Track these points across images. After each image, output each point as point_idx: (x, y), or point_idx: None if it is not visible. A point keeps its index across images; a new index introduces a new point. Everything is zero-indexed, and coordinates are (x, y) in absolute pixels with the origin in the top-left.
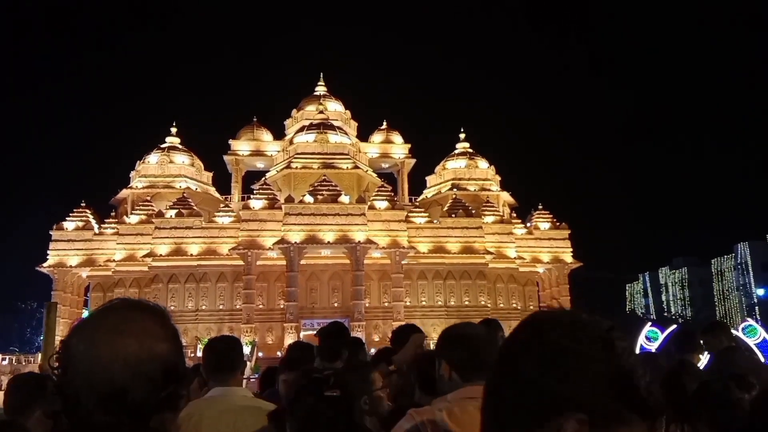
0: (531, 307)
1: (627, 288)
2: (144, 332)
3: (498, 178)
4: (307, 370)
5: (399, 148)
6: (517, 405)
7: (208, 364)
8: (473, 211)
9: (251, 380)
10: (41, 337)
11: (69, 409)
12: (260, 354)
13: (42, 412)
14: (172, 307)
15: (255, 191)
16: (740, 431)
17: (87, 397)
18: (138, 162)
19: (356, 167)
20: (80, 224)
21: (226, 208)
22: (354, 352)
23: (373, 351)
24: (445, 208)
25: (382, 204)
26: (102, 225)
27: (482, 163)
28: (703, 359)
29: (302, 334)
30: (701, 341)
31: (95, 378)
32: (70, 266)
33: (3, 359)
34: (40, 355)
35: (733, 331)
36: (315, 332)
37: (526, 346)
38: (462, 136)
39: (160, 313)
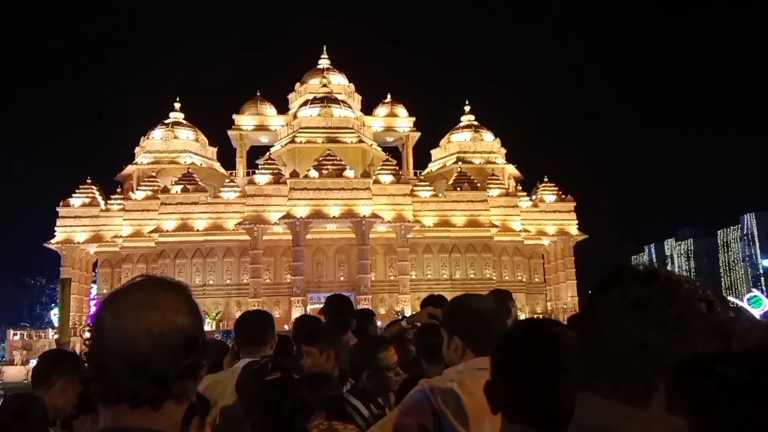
0: (536, 280)
1: (632, 260)
2: (167, 307)
3: (503, 150)
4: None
5: (403, 121)
6: (612, 363)
7: (240, 337)
8: (478, 185)
9: None
10: (51, 312)
11: (100, 376)
12: None
13: (64, 381)
14: None
15: (260, 166)
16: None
17: (115, 365)
18: (142, 138)
19: (361, 141)
20: (87, 200)
21: (232, 184)
22: (364, 324)
23: (380, 324)
24: (450, 182)
25: (387, 178)
26: (108, 201)
27: (487, 136)
28: None
29: (309, 307)
30: None
31: (122, 348)
32: (78, 242)
33: (15, 334)
34: (50, 330)
35: (738, 302)
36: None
37: (627, 303)
38: (467, 108)
39: (181, 289)
